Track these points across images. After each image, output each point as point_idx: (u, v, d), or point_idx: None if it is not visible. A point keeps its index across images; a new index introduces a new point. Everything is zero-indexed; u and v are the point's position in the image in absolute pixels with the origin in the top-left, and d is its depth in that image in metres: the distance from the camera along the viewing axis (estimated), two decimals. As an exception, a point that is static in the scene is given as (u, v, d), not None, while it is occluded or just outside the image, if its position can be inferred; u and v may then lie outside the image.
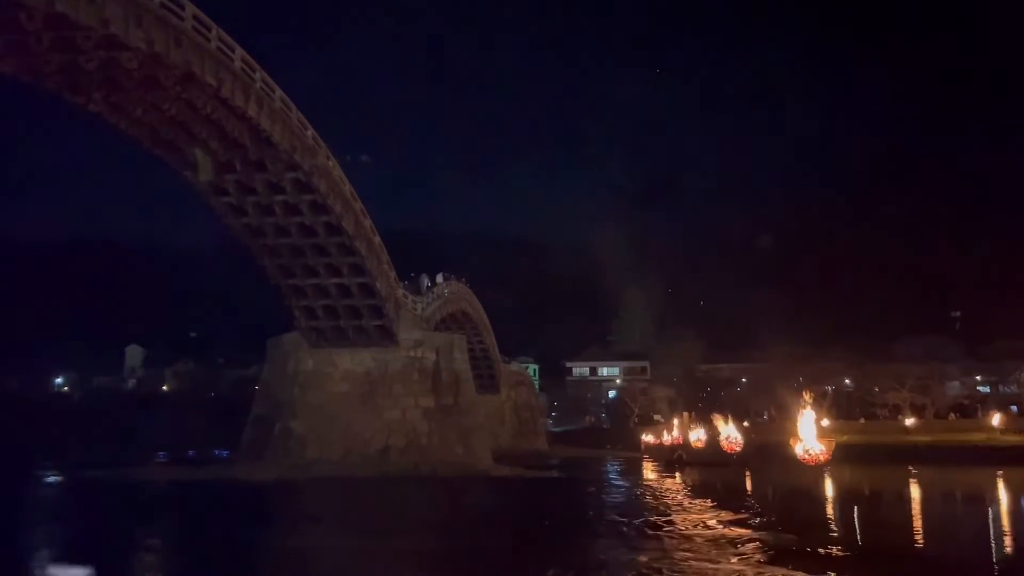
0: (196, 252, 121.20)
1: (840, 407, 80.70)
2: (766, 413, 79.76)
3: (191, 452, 57.58)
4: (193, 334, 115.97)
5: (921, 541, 21.62)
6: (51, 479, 40.67)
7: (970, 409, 79.58)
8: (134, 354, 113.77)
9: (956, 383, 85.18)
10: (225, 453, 50.54)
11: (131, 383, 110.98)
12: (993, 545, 20.76)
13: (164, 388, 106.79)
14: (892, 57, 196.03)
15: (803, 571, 15.39)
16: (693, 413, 62.02)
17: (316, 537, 21.89)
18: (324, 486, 35.15)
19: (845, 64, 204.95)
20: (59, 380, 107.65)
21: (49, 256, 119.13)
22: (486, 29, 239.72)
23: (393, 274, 44.49)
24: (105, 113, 28.64)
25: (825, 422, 60.48)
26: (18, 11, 21.49)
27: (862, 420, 77.42)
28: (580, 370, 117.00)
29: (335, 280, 41.01)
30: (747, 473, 40.33)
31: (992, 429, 64.76)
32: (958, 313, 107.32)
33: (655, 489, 35.89)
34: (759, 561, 16.77)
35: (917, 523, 25.61)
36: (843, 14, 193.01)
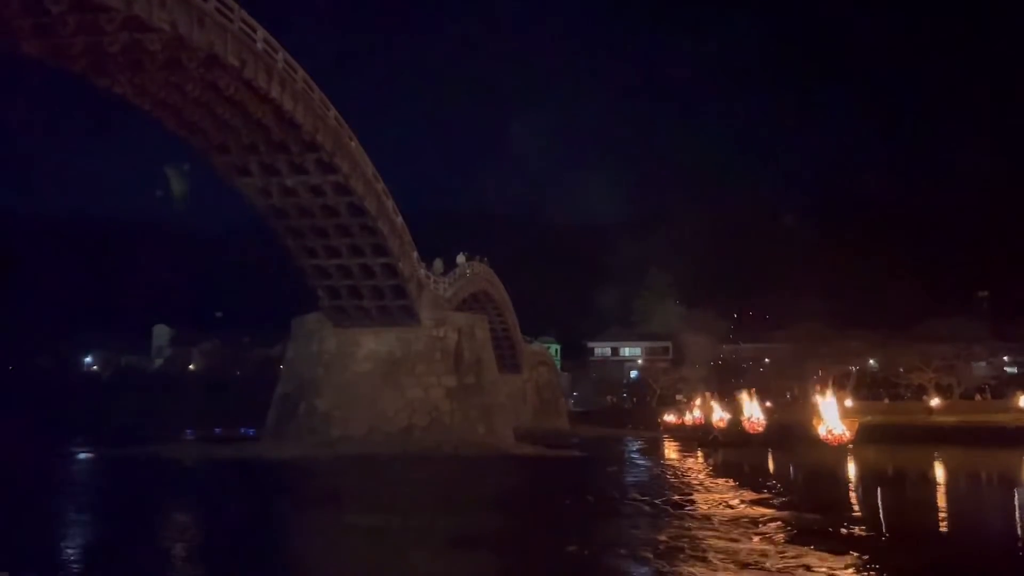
0: (222, 232, 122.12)
1: (864, 387, 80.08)
2: (789, 393, 79.36)
3: (217, 430, 58.43)
4: (219, 313, 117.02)
5: (945, 522, 21.49)
6: (83, 456, 41.53)
7: (980, 390, 78.35)
8: (161, 333, 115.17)
9: (983, 363, 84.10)
10: (251, 431, 51.25)
11: (158, 362, 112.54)
12: (1020, 527, 20.59)
13: (191, 367, 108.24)
14: (929, 35, 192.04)
15: (825, 551, 15.37)
16: (715, 393, 61.91)
17: (347, 515, 22.16)
18: (350, 464, 35.56)
19: (878, 42, 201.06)
20: (88, 359, 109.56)
21: (77, 237, 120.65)
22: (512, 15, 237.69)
23: (416, 254, 44.63)
24: (129, 95, 28.90)
25: (849, 402, 60.24)
26: (43, -6, 21.70)
27: (886, 400, 76.68)
28: (602, 350, 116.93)
29: (358, 260, 41.21)
30: (769, 453, 40.24)
31: (1020, 410, 63.88)
32: (985, 293, 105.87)
33: (676, 469, 35.96)
34: (781, 540, 16.80)
35: (941, 504, 25.43)
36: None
